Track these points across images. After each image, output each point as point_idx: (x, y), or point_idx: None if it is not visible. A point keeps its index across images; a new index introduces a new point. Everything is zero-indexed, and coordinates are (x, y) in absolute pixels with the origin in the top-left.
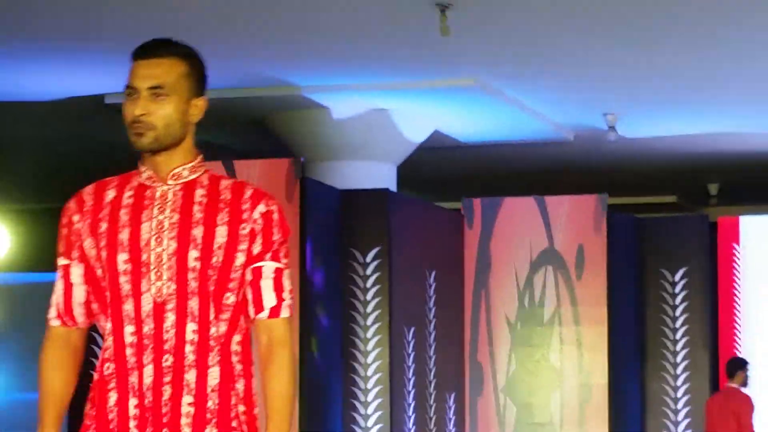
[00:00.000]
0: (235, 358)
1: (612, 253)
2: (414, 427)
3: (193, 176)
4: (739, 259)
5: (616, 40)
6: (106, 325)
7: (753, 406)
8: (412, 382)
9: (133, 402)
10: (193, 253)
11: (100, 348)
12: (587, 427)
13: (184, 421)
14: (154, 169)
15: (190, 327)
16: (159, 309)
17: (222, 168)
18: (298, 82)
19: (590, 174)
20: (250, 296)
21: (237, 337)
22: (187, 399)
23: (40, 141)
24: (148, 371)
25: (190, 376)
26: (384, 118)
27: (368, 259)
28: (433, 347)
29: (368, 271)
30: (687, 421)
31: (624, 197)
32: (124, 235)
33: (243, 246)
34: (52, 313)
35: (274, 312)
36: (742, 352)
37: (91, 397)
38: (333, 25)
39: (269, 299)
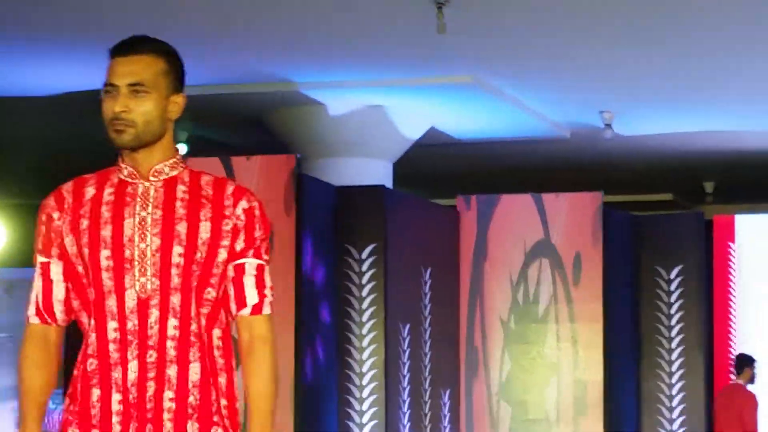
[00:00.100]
0: (216, 353)
1: (608, 251)
2: (409, 423)
3: (174, 173)
4: (734, 257)
5: (613, 38)
6: (89, 322)
7: (757, 404)
8: (407, 378)
9: (116, 398)
10: (177, 249)
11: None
12: (582, 424)
13: (165, 416)
14: (134, 166)
15: (172, 323)
16: (143, 305)
17: (220, 165)
18: (294, 78)
19: (586, 172)
20: (231, 292)
21: (218, 332)
22: (168, 394)
23: (37, 136)
24: (133, 367)
25: (172, 372)
26: (380, 114)
27: (364, 255)
28: (428, 344)
29: (364, 268)
30: (682, 418)
31: (620, 195)
32: (106, 232)
33: (225, 242)
34: (32, 310)
35: (256, 309)
36: (737, 350)
37: (71, 393)
38: (329, 21)
39: (251, 296)
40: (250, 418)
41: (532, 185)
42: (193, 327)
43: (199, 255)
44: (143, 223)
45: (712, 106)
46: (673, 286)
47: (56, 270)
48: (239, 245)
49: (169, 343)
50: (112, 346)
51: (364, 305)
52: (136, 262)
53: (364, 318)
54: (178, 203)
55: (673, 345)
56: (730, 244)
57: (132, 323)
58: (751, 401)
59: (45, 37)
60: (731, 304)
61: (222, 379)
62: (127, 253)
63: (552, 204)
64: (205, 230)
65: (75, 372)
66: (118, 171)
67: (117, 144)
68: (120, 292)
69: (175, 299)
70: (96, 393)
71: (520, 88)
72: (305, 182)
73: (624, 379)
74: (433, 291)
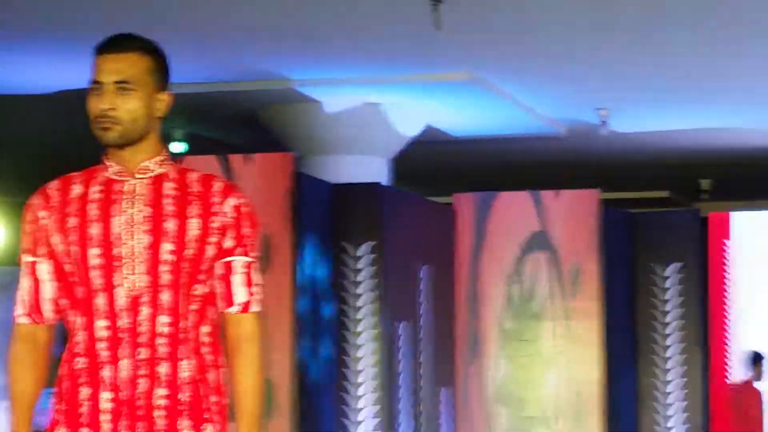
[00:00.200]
0: (205, 350)
1: (604, 248)
2: (405, 421)
3: (161, 170)
4: (729, 254)
5: (609, 34)
6: (77, 320)
7: (762, 401)
8: (403, 377)
9: (106, 396)
10: (167, 246)
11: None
12: (581, 422)
13: (157, 413)
14: (120, 163)
15: (162, 319)
16: (133, 302)
17: (217, 163)
18: (290, 76)
19: (583, 169)
20: (220, 290)
21: (206, 329)
22: (160, 391)
23: (36, 133)
24: (124, 365)
25: (163, 369)
26: (376, 112)
27: (360, 253)
28: (424, 342)
29: (360, 265)
30: (681, 415)
31: (617, 192)
32: (94, 230)
33: (213, 239)
34: (20, 310)
35: (245, 307)
36: (732, 347)
37: (57, 392)
38: (325, 18)
39: (240, 294)
40: (239, 417)
41: (528, 182)
42: (183, 324)
43: (188, 252)
44: (131, 220)
45: (708, 103)
46: (668, 283)
47: (44, 269)
48: (228, 243)
49: (160, 340)
50: (101, 344)
51: (360, 303)
52: (125, 260)
53: (361, 315)
54: (166, 200)
55: (670, 341)
56: (725, 241)
57: (122, 321)
58: (756, 398)
59: (42, 35)
60: (726, 300)
61: (211, 376)
62: (116, 250)
63: (550, 201)
64: (193, 227)
65: (61, 371)
66: (104, 169)
67: (103, 141)
68: (109, 290)
69: (165, 296)
70: (84, 391)
71: (516, 86)
72: (302, 180)
73: (622, 376)
74: (429, 288)
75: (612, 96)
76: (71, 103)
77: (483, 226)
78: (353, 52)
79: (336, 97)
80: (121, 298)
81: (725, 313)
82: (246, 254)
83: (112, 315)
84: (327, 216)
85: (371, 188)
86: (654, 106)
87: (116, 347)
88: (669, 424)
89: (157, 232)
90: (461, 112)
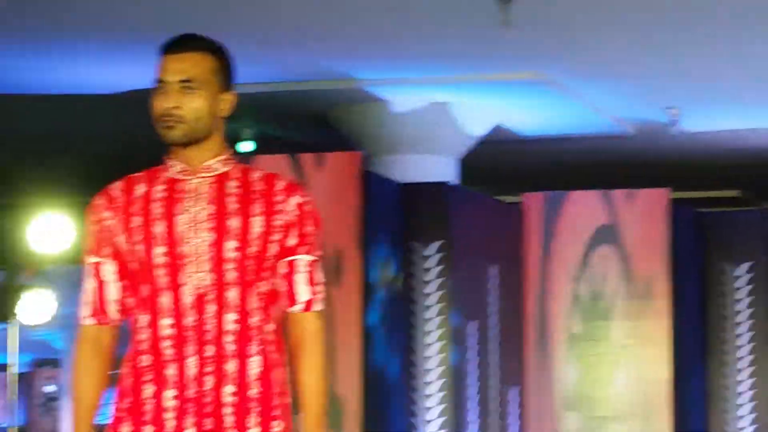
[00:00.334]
0: (270, 348)
1: (674, 248)
2: (473, 421)
3: (225, 169)
4: None
5: (679, 33)
6: (141, 318)
7: None
8: (473, 376)
9: (170, 393)
10: (231, 244)
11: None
12: (651, 421)
13: (226, 410)
14: (184, 162)
15: (230, 317)
16: (199, 300)
17: (286, 162)
18: (358, 75)
19: (652, 168)
20: (284, 289)
21: (270, 327)
22: (229, 389)
23: (106, 132)
24: (191, 362)
25: (231, 366)
26: (444, 111)
27: (428, 252)
28: (492, 341)
29: (428, 265)
30: (751, 416)
31: (686, 191)
32: (159, 229)
33: (277, 237)
34: (86, 311)
35: (308, 305)
36: None
37: (120, 390)
38: (393, 17)
39: (304, 292)
40: (302, 415)
41: (596, 182)
42: (250, 321)
43: (252, 249)
44: (195, 218)
45: None
46: (739, 283)
47: (109, 269)
48: (291, 241)
49: (228, 338)
50: (166, 342)
51: (429, 302)
52: (191, 258)
53: (430, 315)
54: (230, 198)
55: (741, 341)
56: None
57: (189, 319)
58: None
59: (111, 35)
60: None
61: (277, 374)
62: (180, 249)
63: (620, 200)
64: (257, 225)
65: (123, 369)
66: (167, 169)
67: (167, 140)
68: (175, 288)
69: (232, 294)
70: (149, 389)
71: (584, 85)
72: (371, 179)
73: (692, 376)
74: (499, 288)
75: (682, 95)
76: (139, 104)
77: (552, 226)
78: (421, 51)
79: (404, 96)
80: (187, 296)
81: None
82: (309, 253)
83: (177, 313)
84: (395, 215)
85: (439, 187)
86: (725, 104)
87: (181, 345)
88: (739, 425)
89: (220, 230)
90: (529, 112)
